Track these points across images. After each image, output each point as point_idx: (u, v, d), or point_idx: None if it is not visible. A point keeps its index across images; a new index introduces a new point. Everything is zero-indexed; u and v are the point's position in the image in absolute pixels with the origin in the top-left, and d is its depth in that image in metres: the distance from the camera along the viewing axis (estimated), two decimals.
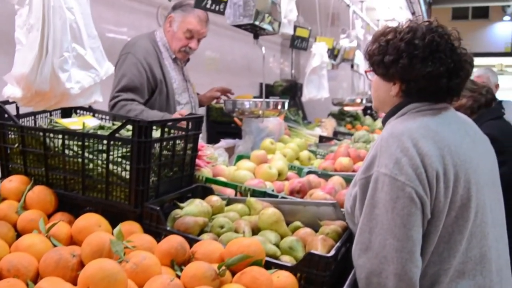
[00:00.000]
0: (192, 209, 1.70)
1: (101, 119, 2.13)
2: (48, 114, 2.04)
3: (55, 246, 1.46)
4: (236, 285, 1.32)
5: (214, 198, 1.83)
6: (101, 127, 1.89)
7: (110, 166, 1.67)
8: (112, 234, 1.46)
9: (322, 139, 4.09)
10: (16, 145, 1.80)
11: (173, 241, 1.44)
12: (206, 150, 2.30)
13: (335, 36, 5.22)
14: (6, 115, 1.82)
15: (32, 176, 1.81)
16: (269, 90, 6.70)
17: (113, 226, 1.54)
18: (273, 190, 2.10)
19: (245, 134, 3.18)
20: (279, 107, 2.88)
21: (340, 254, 1.63)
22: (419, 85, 1.52)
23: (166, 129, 1.78)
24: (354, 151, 2.84)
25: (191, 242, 1.54)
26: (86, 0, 1.64)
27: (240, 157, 2.62)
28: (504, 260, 1.59)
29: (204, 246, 1.48)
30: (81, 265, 1.33)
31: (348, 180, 2.32)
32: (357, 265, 1.48)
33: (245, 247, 1.42)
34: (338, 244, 1.62)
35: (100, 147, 1.70)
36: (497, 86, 4.42)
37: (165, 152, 1.78)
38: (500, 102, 2.92)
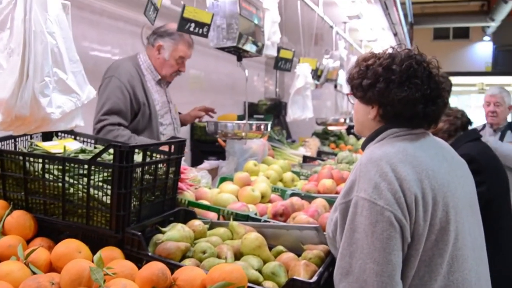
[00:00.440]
0: (174, 234, 1.68)
1: (83, 142, 2.11)
2: (29, 137, 2.02)
3: (34, 273, 1.44)
4: None
5: (196, 223, 1.82)
6: (83, 151, 1.87)
7: (91, 190, 1.66)
8: (92, 260, 1.44)
9: (306, 159, 4.10)
10: None
11: (154, 268, 1.43)
12: (189, 172, 2.29)
13: (319, 56, 5.27)
14: None
15: (11, 200, 1.78)
16: (253, 109, 6.74)
17: (94, 251, 1.53)
18: (256, 214, 2.09)
19: (229, 155, 3.18)
20: (262, 128, 2.89)
21: (323, 279, 1.62)
22: (395, 109, 1.55)
23: (148, 153, 1.78)
24: (338, 173, 2.85)
25: (173, 268, 1.52)
26: (68, 25, 1.64)
27: (223, 179, 2.61)
28: (484, 281, 1.61)
29: (185, 272, 1.47)
30: None
31: (331, 202, 2.33)
32: None
33: (227, 274, 1.41)
34: (320, 269, 1.62)
35: (81, 171, 1.69)
36: (510, 107, 4.31)
37: (147, 176, 1.77)
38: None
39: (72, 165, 1.70)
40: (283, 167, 2.95)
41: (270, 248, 1.77)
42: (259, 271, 1.61)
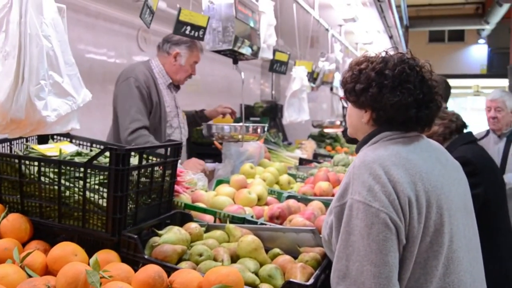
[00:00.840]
0: (171, 237, 1.68)
1: (79, 145, 2.11)
2: (24, 140, 2.01)
3: (29, 276, 1.43)
4: None
5: (192, 225, 1.82)
6: (79, 154, 1.87)
7: (87, 193, 1.65)
8: (89, 263, 1.44)
9: (302, 161, 4.10)
10: None
11: (151, 271, 1.42)
12: (186, 175, 2.29)
13: (315, 59, 5.29)
14: None
15: (6, 203, 1.78)
16: (249, 111, 6.73)
17: (90, 254, 1.53)
18: (252, 216, 2.09)
19: (225, 157, 3.18)
20: (259, 131, 2.89)
21: (320, 281, 1.63)
22: (388, 114, 1.56)
23: (144, 156, 1.78)
24: (334, 175, 2.86)
25: (169, 270, 1.52)
26: (64, 28, 1.64)
27: (219, 182, 2.61)
28: (479, 283, 1.61)
29: (182, 275, 1.47)
30: None
31: (327, 205, 2.32)
32: None
33: (223, 277, 1.41)
34: (317, 271, 1.62)
35: (77, 174, 1.69)
36: None
37: (143, 179, 1.77)
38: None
39: (68, 168, 1.69)
40: (279, 169, 2.95)
41: (267, 251, 1.77)
42: (256, 273, 1.61)
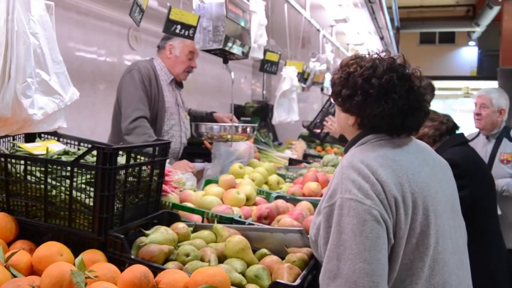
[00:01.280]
0: (157, 237, 1.68)
1: (66, 143, 2.09)
2: (11, 138, 1.99)
3: (14, 276, 1.42)
4: None
5: (180, 225, 1.82)
6: (66, 152, 1.85)
7: (74, 192, 1.64)
8: (74, 263, 1.43)
9: (292, 161, 4.11)
10: None
11: (136, 271, 1.42)
12: (174, 175, 2.28)
13: (306, 59, 5.29)
14: None
15: None
16: (240, 111, 6.72)
17: (76, 254, 1.51)
18: (240, 216, 2.09)
19: (214, 157, 3.17)
20: (248, 131, 2.89)
21: (307, 282, 1.63)
22: (372, 122, 1.56)
23: (132, 155, 1.77)
24: (323, 175, 2.86)
25: (156, 271, 1.52)
26: (52, 25, 1.62)
27: (208, 182, 2.60)
28: (465, 284, 1.61)
29: (168, 275, 1.46)
30: None
31: (316, 205, 2.32)
32: None
33: (210, 277, 1.41)
34: (304, 272, 1.62)
35: (64, 173, 1.67)
36: (502, 111, 3.73)
37: (130, 178, 1.76)
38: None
39: (55, 167, 1.68)
40: (268, 169, 2.95)
41: (255, 251, 1.77)
42: (243, 274, 1.61)
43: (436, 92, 4.24)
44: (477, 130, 3.99)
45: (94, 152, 1.67)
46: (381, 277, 1.37)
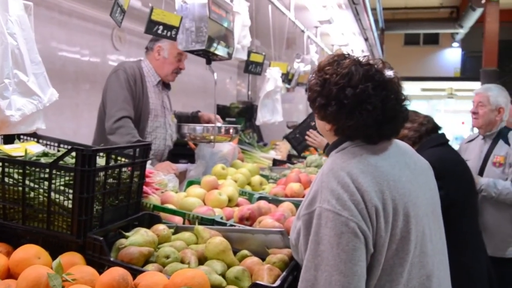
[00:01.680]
0: (137, 239, 1.67)
1: (46, 145, 2.07)
2: None
3: None
4: None
5: (160, 227, 1.81)
6: (45, 154, 1.84)
7: (52, 195, 1.63)
8: (52, 266, 1.42)
9: (275, 162, 4.11)
10: None
11: (115, 273, 1.41)
12: (156, 176, 2.27)
13: (291, 60, 5.30)
14: None
15: None
16: (225, 112, 6.72)
17: (55, 257, 1.50)
18: (222, 218, 2.08)
19: (198, 158, 3.16)
20: (231, 132, 2.89)
21: (287, 283, 1.63)
22: (347, 132, 1.55)
23: (112, 157, 1.76)
24: (305, 176, 2.86)
25: (135, 273, 1.51)
26: (30, 26, 1.61)
27: (190, 183, 2.60)
28: (445, 287, 1.63)
29: (147, 278, 1.45)
30: None
31: (298, 206, 2.33)
32: None
33: (189, 279, 1.40)
34: (284, 273, 1.62)
35: (42, 175, 1.65)
36: (500, 109, 3.47)
37: (110, 180, 1.75)
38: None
39: (33, 168, 1.66)
40: (251, 170, 2.95)
41: (236, 253, 1.77)
42: (223, 275, 1.60)
43: (421, 93, 4.23)
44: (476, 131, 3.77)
45: (74, 154, 1.66)
46: None
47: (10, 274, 1.48)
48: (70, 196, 1.61)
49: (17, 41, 1.54)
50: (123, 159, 1.87)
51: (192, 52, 2.70)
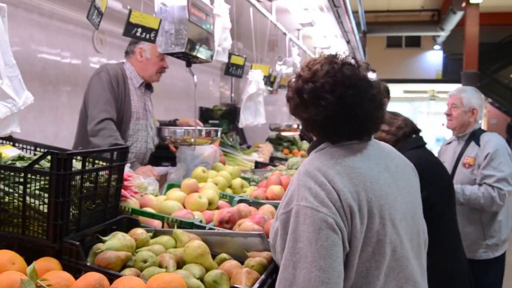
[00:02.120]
0: (114, 243, 1.65)
1: (22, 149, 2.04)
2: None
3: None
4: None
5: (138, 231, 1.79)
6: (21, 158, 1.81)
7: (28, 199, 1.60)
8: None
9: (258, 165, 4.11)
10: None
11: (91, 279, 1.39)
12: (135, 179, 2.25)
13: (274, 62, 5.31)
14: None
15: None
16: (208, 114, 6.71)
17: (30, 263, 1.47)
18: (201, 221, 2.07)
19: (179, 161, 3.15)
20: (212, 134, 2.88)
21: (266, 286, 1.63)
22: (306, 128, 1.57)
23: (90, 160, 1.74)
24: (286, 179, 2.86)
25: (112, 278, 1.49)
26: (4, 28, 1.58)
27: (171, 186, 2.58)
28: None
29: (124, 282, 1.43)
30: None
31: None
32: None
33: (166, 283, 1.39)
34: (263, 276, 1.62)
35: (17, 179, 1.63)
36: (474, 110, 3.44)
37: (87, 184, 1.73)
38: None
39: (8, 172, 1.64)
40: (232, 173, 2.94)
41: (215, 256, 1.76)
42: (201, 279, 1.59)
43: (403, 95, 4.24)
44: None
45: (49, 157, 1.64)
46: (337, 285, 1.36)
47: None
48: (46, 200, 1.59)
49: None
50: (101, 163, 1.85)
51: (171, 54, 2.69)
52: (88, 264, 1.57)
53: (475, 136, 3.44)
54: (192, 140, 2.78)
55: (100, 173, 1.80)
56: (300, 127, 5.87)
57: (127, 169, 2.24)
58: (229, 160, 4.15)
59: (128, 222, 1.92)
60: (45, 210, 1.59)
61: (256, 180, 3.25)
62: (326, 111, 1.49)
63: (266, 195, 2.65)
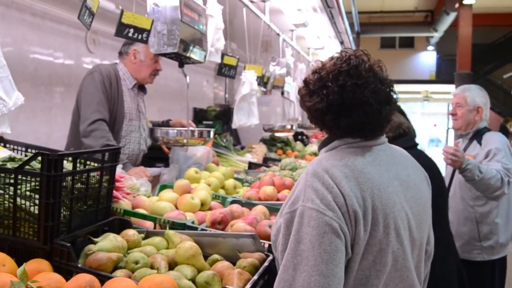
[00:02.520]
0: (106, 244, 1.64)
1: (13, 149, 2.03)
2: None
3: None
4: None
5: (130, 232, 1.79)
6: (12, 159, 1.80)
7: (18, 200, 1.59)
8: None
9: (251, 165, 4.10)
10: None
11: (81, 280, 1.39)
12: (127, 180, 2.25)
13: (268, 63, 5.31)
14: None
15: None
16: (202, 115, 6.70)
17: (21, 264, 1.46)
18: (193, 222, 2.07)
19: (171, 162, 3.14)
20: (204, 135, 2.88)
21: (257, 287, 1.63)
22: (309, 118, 1.56)
23: (81, 161, 1.73)
24: (279, 179, 2.86)
25: (104, 279, 1.48)
26: None
27: (163, 187, 2.58)
28: None
29: (115, 284, 1.43)
30: None
31: (271, 209, 2.34)
32: None
33: (157, 285, 1.39)
34: (254, 277, 1.62)
35: (8, 181, 1.62)
36: (479, 109, 3.43)
37: (78, 185, 1.72)
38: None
39: None
40: (225, 174, 2.94)
41: (207, 257, 1.76)
42: (193, 280, 1.59)
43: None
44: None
45: (40, 158, 1.63)
46: None
47: None
48: (37, 201, 1.58)
49: None
50: (93, 164, 1.85)
51: (164, 55, 2.68)
52: (79, 265, 1.57)
53: (478, 135, 3.43)
54: (185, 141, 2.78)
55: (92, 174, 1.79)
56: (294, 127, 5.87)
57: (119, 170, 2.24)
58: (222, 161, 4.14)
59: (120, 223, 1.92)
60: (36, 212, 1.59)
61: (249, 181, 3.25)
62: (328, 99, 1.47)
63: (259, 196, 2.65)
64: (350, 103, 1.47)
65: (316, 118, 1.55)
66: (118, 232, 1.81)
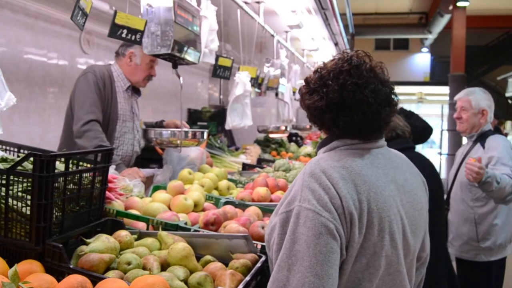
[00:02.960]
0: (98, 245, 1.64)
1: (5, 150, 2.02)
2: None
3: None
4: None
5: (122, 233, 1.78)
6: (4, 160, 1.80)
7: (10, 201, 1.59)
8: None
9: (245, 166, 4.11)
10: None
11: (73, 281, 1.39)
12: (120, 181, 2.24)
13: (262, 64, 5.32)
14: None
15: None
16: (197, 116, 6.71)
17: (12, 265, 1.46)
18: (186, 223, 2.07)
19: (165, 163, 3.14)
20: (198, 136, 2.88)
21: None
22: (309, 116, 1.57)
23: (73, 162, 1.73)
24: (273, 180, 2.86)
25: (96, 280, 1.48)
26: None
27: (156, 188, 2.57)
28: None
29: (107, 285, 1.43)
30: None
31: (265, 210, 2.34)
32: None
33: (149, 286, 1.39)
34: (247, 278, 1.62)
35: (0, 181, 1.62)
36: (484, 111, 3.45)
37: (70, 186, 1.72)
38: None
39: None
40: (218, 175, 2.94)
41: (200, 258, 1.76)
42: (185, 281, 1.59)
43: None
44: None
45: (32, 159, 1.63)
46: None
47: None
48: (29, 202, 1.58)
49: None
50: (85, 164, 1.85)
51: (158, 56, 2.68)
52: (71, 266, 1.56)
53: (482, 137, 3.45)
54: (178, 142, 2.78)
55: (84, 175, 1.79)
56: (288, 129, 5.88)
57: (112, 170, 2.23)
58: (216, 162, 4.15)
59: (112, 224, 1.92)
60: (28, 212, 1.58)
61: (243, 182, 3.25)
62: (327, 98, 1.48)
63: (252, 197, 2.65)
64: (349, 102, 1.47)
65: (315, 117, 1.55)
66: (110, 233, 1.80)
